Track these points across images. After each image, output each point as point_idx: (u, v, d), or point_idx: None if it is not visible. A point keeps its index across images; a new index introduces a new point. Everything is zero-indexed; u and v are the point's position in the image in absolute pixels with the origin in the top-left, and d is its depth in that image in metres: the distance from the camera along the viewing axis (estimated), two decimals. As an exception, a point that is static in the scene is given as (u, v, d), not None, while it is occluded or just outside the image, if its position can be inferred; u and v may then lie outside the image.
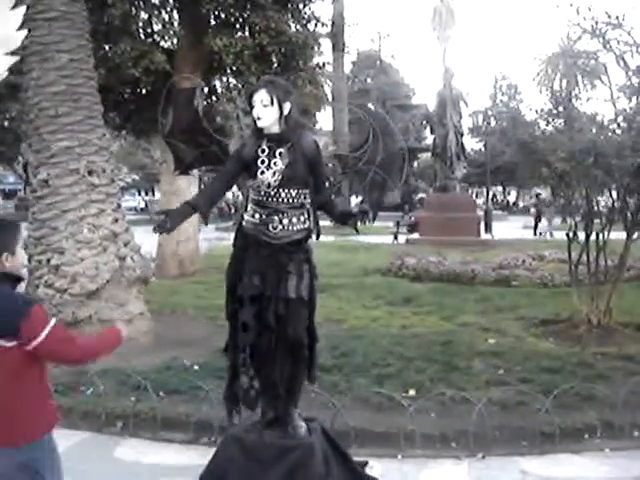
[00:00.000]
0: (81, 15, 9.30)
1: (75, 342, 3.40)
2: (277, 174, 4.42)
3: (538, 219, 33.40)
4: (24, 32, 9.01)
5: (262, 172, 4.44)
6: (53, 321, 3.29)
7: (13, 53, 10.31)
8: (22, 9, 9.07)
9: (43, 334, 3.18)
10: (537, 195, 35.59)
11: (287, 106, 4.40)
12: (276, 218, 4.47)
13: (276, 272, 4.50)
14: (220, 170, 4.75)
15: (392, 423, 5.98)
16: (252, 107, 4.41)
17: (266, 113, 4.37)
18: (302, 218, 4.52)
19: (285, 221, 4.47)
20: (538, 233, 32.42)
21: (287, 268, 4.49)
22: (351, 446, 5.52)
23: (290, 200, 4.47)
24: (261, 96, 4.37)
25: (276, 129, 4.42)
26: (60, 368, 7.57)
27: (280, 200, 4.46)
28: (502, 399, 6.44)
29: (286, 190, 4.45)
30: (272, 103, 4.35)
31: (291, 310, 4.49)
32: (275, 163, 4.43)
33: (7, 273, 3.26)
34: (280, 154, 4.43)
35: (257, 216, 4.53)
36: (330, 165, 4.81)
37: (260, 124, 4.40)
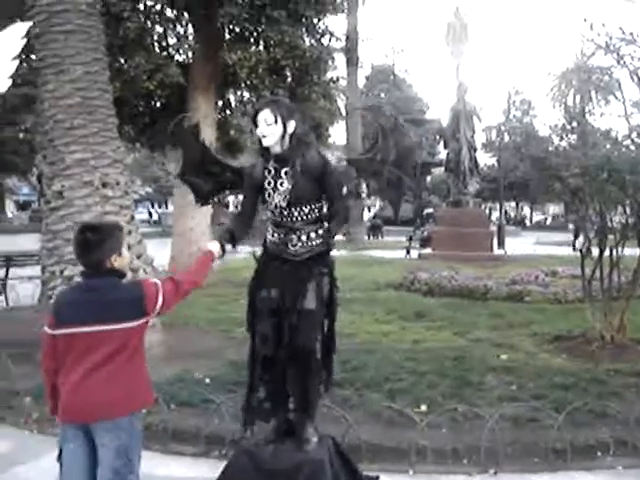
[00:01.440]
0: (97, 28, 9.38)
1: (181, 288, 3.95)
2: (284, 195, 4.44)
3: (577, 235, 33.19)
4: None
5: (269, 194, 4.48)
6: (158, 282, 3.86)
7: (22, 61, 10.37)
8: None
9: (159, 299, 3.79)
10: (576, 211, 35.44)
11: (291, 124, 4.39)
12: (294, 237, 4.50)
13: (295, 285, 4.51)
14: (240, 192, 4.83)
15: (404, 438, 5.95)
16: (256, 126, 4.42)
17: (270, 132, 4.37)
18: (320, 232, 4.53)
19: (303, 237, 4.49)
20: (578, 249, 32.19)
21: (306, 280, 4.50)
22: (362, 461, 5.50)
23: (304, 217, 4.48)
24: (265, 115, 4.36)
25: (280, 148, 4.42)
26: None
27: (294, 219, 4.49)
28: (514, 415, 6.39)
29: (298, 208, 4.46)
30: (276, 122, 4.35)
31: (306, 321, 4.49)
32: (282, 184, 4.44)
33: (116, 270, 3.79)
34: (285, 174, 4.44)
35: (276, 235, 4.59)
36: (343, 170, 4.78)
37: (265, 143, 4.41)
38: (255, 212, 4.73)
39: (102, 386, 3.64)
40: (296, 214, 4.47)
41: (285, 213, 4.48)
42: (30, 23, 4.55)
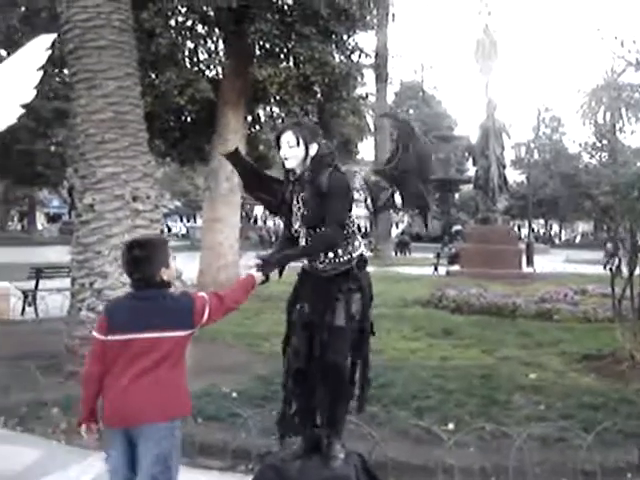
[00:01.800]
0: (129, 44, 9.48)
1: (224, 303, 4.09)
2: (300, 217, 4.51)
3: (613, 254, 32.89)
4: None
5: (292, 216, 4.58)
6: (206, 296, 4.05)
7: (63, 81, 10.52)
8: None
9: (206, 312, 3.96)
10: (606, 229, 35.18)
11: (314, 147, 4.43)
12: (321, 254, 4.52)
13: (324, 301, 4.55)
14: None
15: (431, 456, 5.91)
16: (279, 148, 4.47)
17: (292, 154, 4.41)
18: (349, 248, 4.53)
19: (330, 255, 4.50)
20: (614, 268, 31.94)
21: (334, 297, 4.52)
22: (389, 478, 5.48)
23: None
24: (287, 137, 4.41)
25: (301, 170, 4.47)
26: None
27: None
28: (542, 435, 6.32)
29: (317, 229, 4.46)
30: (298, 144, 4.39)
31: (335, 338, 4.50)
32: (299, 208, 4.51)
33: (165, 282, 3.97)
34: (302, 197, 4.49)
35: None
36: (374, 180, 4.79)
37: (287, 165, 4.47)
38: (292, 234, 4.69)
39: (146, 391, 3.79)
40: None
41: (310, 232, 4.50)
42: (54, 35, 4.64)
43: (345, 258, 4.52)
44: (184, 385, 4.03)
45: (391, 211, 5.27)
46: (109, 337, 3.85)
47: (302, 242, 4.54)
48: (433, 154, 4.96)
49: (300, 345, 4.63)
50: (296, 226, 4.54)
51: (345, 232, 4.50)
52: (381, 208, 4.91)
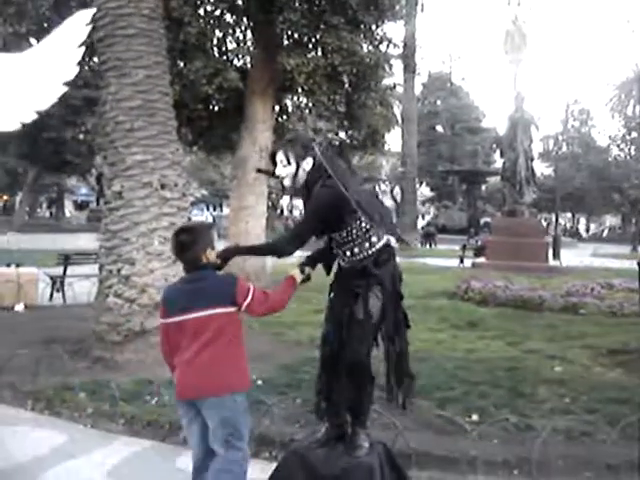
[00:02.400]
0: (159, 33, 9.53)
1: (269, 300, 4.37)
2: None
3: None
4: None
5: None
6: (251, 285, 4.33)
7: (92, 69, 10.56)
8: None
9: (249, 297, 4.24)
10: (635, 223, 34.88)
11: (308, 162, 4.59)
12: (340, 252, 4.71)
13: (345, 295, 4.71)
14: None
15: (454, 447, 5.91)
16: (275, 166, 4.74)
17: (285, 172, 4.67)
18: (365, 245, 4.63)
19: (348, 253, 4.66)
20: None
21: (354, 292, 4.64)
22: (412, 468, 5.49)
23: (343, 239, 4.64)
24: (280, 157, 4.69)
25: (299, 185, 4.66)
26: (127, 377, 7.76)
27: (337, 240, 4.68)
28: (567, 428, 6.30)
29: (333, 234, 4.67)
30: (289, 163, 4.64)
31: (353, 331, 4.57)
32: None
33: (210, 263, 4.32)
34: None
35: (335, 248, 4.78)
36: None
37: (284, 183, 4.73)
38: (325, 236, 4.87)
39: (206, 367, 4.13)
40: (337, 237, 4.66)
41: (329, 236, 4.74)
42: (93, 10, 4.68)
43: (361, 256, 4.63)
44: (242, 363, 4.33)
45: (417, 203, 5.31)
46: (167, 320, 4.27)
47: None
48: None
49: (328, 335, 4.78)
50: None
51: (357, 233, 4.60)
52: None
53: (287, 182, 4.68)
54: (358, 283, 4.63)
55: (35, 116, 4.14)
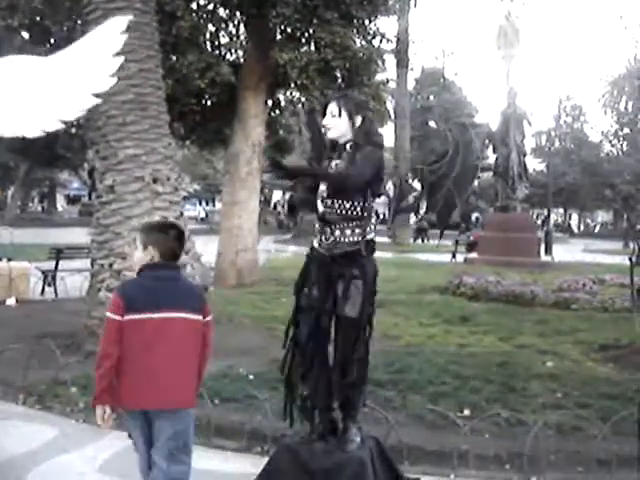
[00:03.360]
0: (151, 26, 9.50)
1: (207, 345, 4.15)
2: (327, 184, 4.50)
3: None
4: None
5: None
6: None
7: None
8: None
9: (209, 317, 4.09)
10: (634, 219, 34.82)
11: (357, 119, 4.46)
12: (328, 230, 4.48)
13: (326, 285, 4.52)
14: None
15: (446, 442, 5.92)
16: (324, 117, 4.53)
17: (333, 124, 4.46)
18: (357, 230, 4.46)
19: (337, 232, 4.45)
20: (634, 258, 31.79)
21: (336, 283, 4.47)
22: (403, 463, 5.49)
23: (343, 212, 4.45)
24: (331, 107, 4.48)
25: (343, 141, 4.47)
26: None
27: (333, 211, 4.47)
28: (559, 423, 6.32)
29: (339, 201, 4.44)
30: (340, 115, 4.43)
31: (338, 327, 4.51)
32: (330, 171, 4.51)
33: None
34: (336, 165, 4.50)
35: (316, 227, 4.60)
36: (407, 180, 4.80)
37: (328, 135, 4.51)
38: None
39: (173, 375, 3.89)
40: (336, 206, 4.45)
41: (329, 203, 4.48)
42: (129, 17, 4.48)
43: (352, 239, 4.45)
44: (198, 376, 4.11)
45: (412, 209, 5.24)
46: (131, 317, 3.86)
47: (320, 209, 4.53)
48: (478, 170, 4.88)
49: (310, 329, 4.59)
50: (321, 190, 4.52)
51: (360, 212, 4.46)
52: (404, 209, 4.90)
53: (332, 134, 4.50)
54: (342, 272, 4.45)
55: (60, 125, 3.95)
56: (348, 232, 4.45)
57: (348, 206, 4.44)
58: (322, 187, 4.50)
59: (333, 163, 4.51)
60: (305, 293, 4.63)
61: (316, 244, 4.59)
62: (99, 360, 3.90)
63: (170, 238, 4.07)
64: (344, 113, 4.43)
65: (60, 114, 3.96)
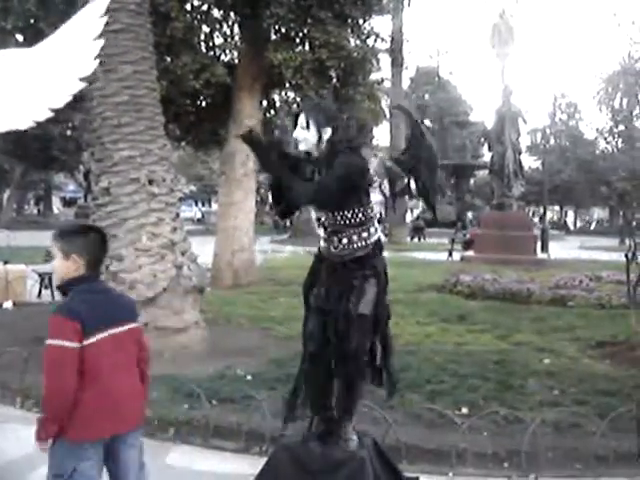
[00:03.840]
0: (145, 28, 9.49)
1: (146, 363, 3.82)
2: None
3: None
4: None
5: None
6: None
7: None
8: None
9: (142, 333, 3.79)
10: (630, 215, 34.73)
11: (326, 132, 4.44)
12: (335, 238, 4.49)
13: (339, 287, 4.52)
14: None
15: (444, 440, 5.93)
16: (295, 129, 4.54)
17: (303, 137, 4.46)
18: (364, 235, 4.49)
19: (344, 240, 4.47)
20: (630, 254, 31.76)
21: (350, 284, 4.49)
22: (402, 462, 5.50)
23: (346, 221, 4.46)
24: (301, 120, 4.47)
25: (316, 153, 4.48)
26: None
27: (335, 222, 4.48)
28: (556, 420, 6.33)
29: (338, 212, 4.45)
30: (308, 127, 4.43)
31: (356, 326, 4.47)
32: None
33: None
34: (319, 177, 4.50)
35: (323, 234, 4.60)
36: (392, 167, 4.77)
37: (300, 147, 4.50)
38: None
39: (137, 393, 3.66)
40: (338, 217, 4.46)
41: (329, 215, 4.50)
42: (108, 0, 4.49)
43: (360, 244, 4.48)
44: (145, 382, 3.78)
45: (407, 197, 5.23)
46: (91, 340, 3.41)
47: (326, 221, 4.52)
48: (434, 147, 4.87)
49: (314, 329, 4.62)
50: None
51: (363, 217, 4.47)
52: (398, 194, 4.89)
53: (302, 146, 4.48)
54: (355, 274, 4.48)
55: (50, 114, 3.90)
56: (355, 238, 4.48)
57: (349, 215, 4.45)
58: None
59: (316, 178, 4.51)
60: (315, 293, 4.66)
61: (324, 251, 4.61)
62: (51, 398, 3.43)
63: (94, 243, 3.63)
64: (312, 126, 4.43)
65: (49, 102, 3.93)
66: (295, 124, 4.51)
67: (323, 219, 4.55)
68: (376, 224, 4.61)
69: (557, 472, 5.67)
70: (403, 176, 4.82)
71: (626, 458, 5.79)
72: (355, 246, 4.48)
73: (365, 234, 4.50)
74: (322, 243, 4.63)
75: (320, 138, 4.44)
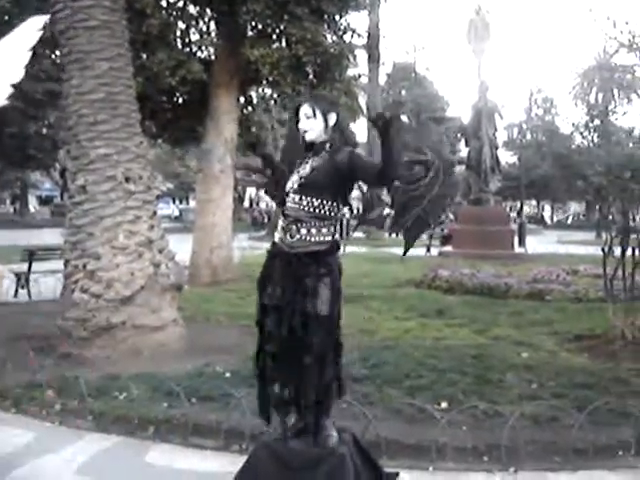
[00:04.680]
0: (120, 24, 9.43)
1: None
2: (299, 179, 4.44)
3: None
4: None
5: (290, 176, 4.52)
6: None
7: (54, 62, 10.49)
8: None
9: None
10: (606, 209, 35.02)
11: (332, 117, 4.48)
12: (294, 227, 4.41)
13: (293, 284, 4.41)
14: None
15: (424, 435, 5.93)
16: (298, 122, 4.50)
17: (310, 126, 4.45)
18: (324, 230, 4.42)
19: (303, 231, 4.39)
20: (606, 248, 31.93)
21: (304, 281, 4.38)
22: (382, 457, 5.50)
23: (312, 209, 4.40)
24: (304, 110, 4.46)
25: (319, 141, 4.48)
26: (95, 373, 7.69)
27: (301, 208, 4.41)
28: (535, 414, 6.36)
29: (308, 198, 4.39)
30: (315, 115, 4.44)
31: (308, 323, 4.39)
32: (304, 168, 4.47)
33: None
34: (312, 160, 4.47)
35: (281, 223, 4.51)
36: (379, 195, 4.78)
37: (307, 137, 4.48)
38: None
39: None
40: (305, 203, 4.40)
41: (296, 199, 4.42)
42: (47, 16, 4.64)
43: (318, 239, 4.40)
44: None
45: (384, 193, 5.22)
46: None
47: (292, 206, 4.45)
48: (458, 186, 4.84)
49: (273, 328, 4.51)
50: (291, 184, 4.46)
51: (335, 211, 4.44)
52: (366, 221, 4.87)
53: (310, 136, 4.46)
54: (309, 271, 4.37)
55: None
56: (314, 231, 4.40)
57: (317, 204, 4.39)
58: (292, 181, 4.47)
59: (308, 165, 4.47)
60: (269, 292, 4.53)
61: (278, 240, 4.51)
62: None
63: None
64: (318, 113, 4.43)
65: None
66: (296, 117, 4.52)
67: (289, 204, 4.45)
68: (338, 226, 4.58)
69: (536, 465, 5.69)
70: (383, 207, 4.82)
71: (604, 451, 5.82)
72: (313, 239, 4.39)
73: (325, 230, 4.43)
74: (278, 234, 4.52)
75: (327, 124, 4.47)
